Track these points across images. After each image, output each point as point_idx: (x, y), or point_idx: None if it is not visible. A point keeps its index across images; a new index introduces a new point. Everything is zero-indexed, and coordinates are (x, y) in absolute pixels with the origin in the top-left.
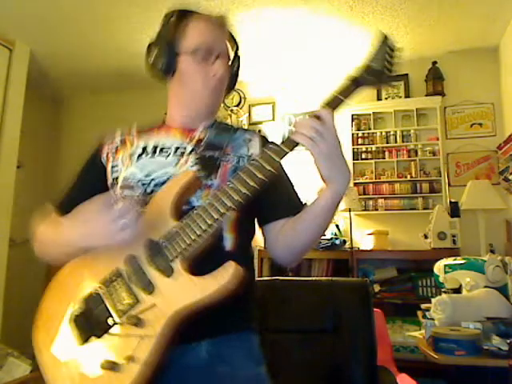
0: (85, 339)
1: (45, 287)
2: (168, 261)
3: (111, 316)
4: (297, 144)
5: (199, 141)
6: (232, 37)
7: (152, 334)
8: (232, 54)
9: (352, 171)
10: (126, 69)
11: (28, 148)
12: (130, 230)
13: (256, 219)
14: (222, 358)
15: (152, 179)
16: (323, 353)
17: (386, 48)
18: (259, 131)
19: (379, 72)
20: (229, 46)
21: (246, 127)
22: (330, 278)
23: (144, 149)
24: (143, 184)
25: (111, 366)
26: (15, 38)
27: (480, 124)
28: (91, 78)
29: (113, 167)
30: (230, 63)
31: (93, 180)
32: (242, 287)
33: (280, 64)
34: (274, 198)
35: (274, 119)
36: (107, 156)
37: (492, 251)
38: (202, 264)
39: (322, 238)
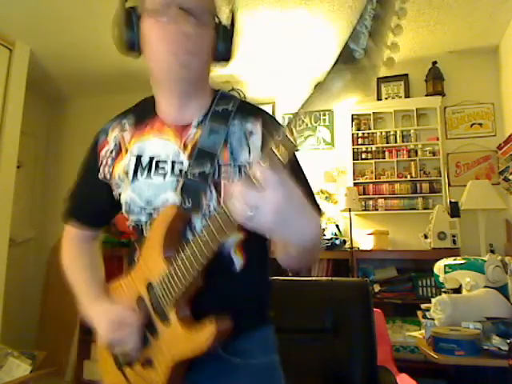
0: (118, 367)
1: (44, 287)
2: (164, 308)
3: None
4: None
5: (193, 147)
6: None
7: (161, 380)
8: (216, 14)
9: (352, 171)
10: (126, 69)
11: (28, 148)
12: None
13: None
14: (235, 349)
15: (154, 208)
16: (323, 352)
17: None
18: (259, 110)
19: None
20: (207, 5)
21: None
22: (330, 277)
23: (138, 159)
24: (148, 213)
25: None
26: (15, 38)
27: (480, 124)
28: (91, 78)
29: (115, 183)
30: (210, 24)
31: (97, 188)
32: (228, 335)
33: (280, 64)
34: None
35: None
36: (105, 169)
37: (492, 251)
38: (212, 286)
39: (323, 238)
